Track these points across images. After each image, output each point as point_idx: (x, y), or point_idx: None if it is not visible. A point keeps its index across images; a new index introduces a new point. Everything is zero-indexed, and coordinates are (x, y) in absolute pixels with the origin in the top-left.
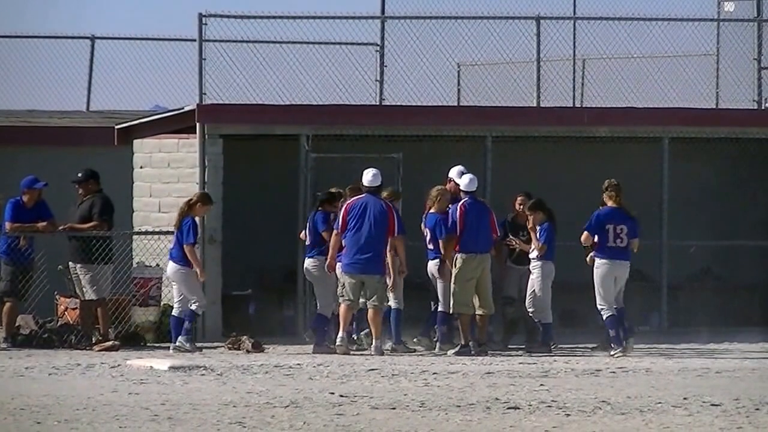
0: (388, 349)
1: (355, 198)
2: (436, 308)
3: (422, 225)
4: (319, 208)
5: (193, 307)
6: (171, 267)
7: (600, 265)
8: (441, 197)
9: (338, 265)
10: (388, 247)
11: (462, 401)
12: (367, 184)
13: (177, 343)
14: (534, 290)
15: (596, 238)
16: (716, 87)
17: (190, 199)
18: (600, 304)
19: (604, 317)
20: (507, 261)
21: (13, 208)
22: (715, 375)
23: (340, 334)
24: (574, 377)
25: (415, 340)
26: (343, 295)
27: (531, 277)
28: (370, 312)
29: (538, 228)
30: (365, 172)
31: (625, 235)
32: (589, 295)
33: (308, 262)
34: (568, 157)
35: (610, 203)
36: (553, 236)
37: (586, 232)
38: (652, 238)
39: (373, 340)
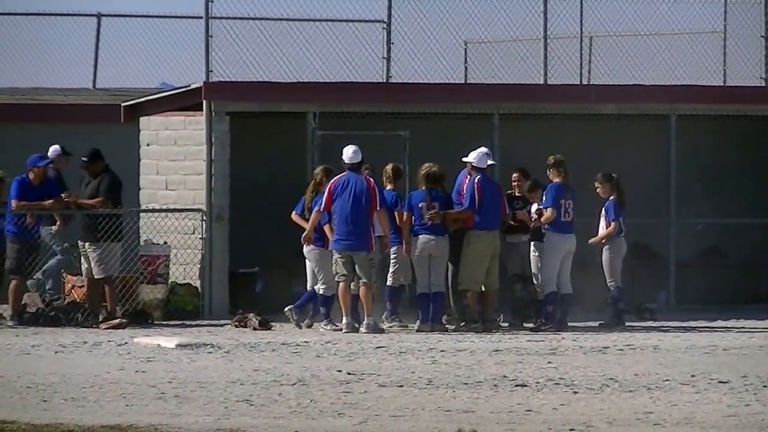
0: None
1: (338, 176)
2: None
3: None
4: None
5: (321, 289)
6: (306, 247)
7: (554, 240)
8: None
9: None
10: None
11: (469, 379)
12: (348, 161)
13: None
14: (539, 267)
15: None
16: (723, 64)
17: (315, 178)
18: (545, 280)
19: (546, 292)
20: (506, 237)
21: (19, 186)
22: (722, 352)
23: (345, 315)
24: (581, 354)
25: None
26: (337, 272)
27: (534, 254)
28: (361, 289)
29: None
30: (345, 149)
31: (572, 210)
32: (595, 273)
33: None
34: (576, 135)
35: (557, 179)
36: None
37: (550, 209)
38: (659, 216)
39: (365, 317)
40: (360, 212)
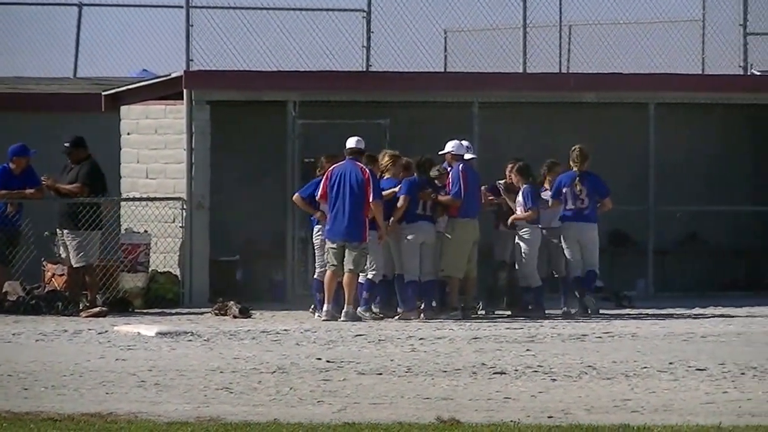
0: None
1: (335, 165)
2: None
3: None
4: None
5: (370, 275)
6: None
7: (570, 229)
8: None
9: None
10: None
11: (448, 366)
12: (351, 146)
13: (358, 313)
14: (522, 255)
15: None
16: (702, 53)
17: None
18: (573, 266)
19: (572, 276)
20: (500, 226)
21: (1, 175)
22: (700, 340)
23: (326, 303)
24: (560, 342)
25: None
26: (327, 262)
27: (518, 242)
28: (345, 276)
29: (520, 192)
30: (350, 138)
31: (585, 196)
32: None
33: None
34: (555, 123)
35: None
36: (536, 200)
37: (531, 210)
38: (638, 203)
39: (345, 305)
40: (356, 203)
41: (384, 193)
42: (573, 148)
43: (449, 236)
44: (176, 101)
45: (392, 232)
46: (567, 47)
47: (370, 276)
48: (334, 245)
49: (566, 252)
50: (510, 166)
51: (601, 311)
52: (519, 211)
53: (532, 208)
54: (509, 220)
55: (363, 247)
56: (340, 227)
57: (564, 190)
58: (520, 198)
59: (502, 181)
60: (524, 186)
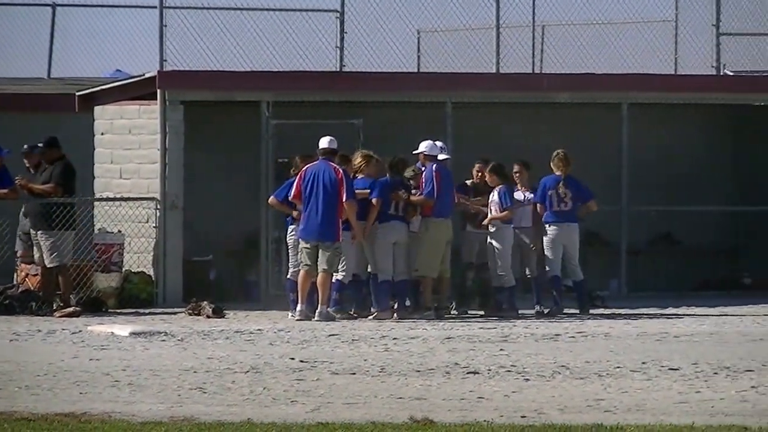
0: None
1: (309, 165)
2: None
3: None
4: None
5: (339, 275)
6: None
7: (552, 230)
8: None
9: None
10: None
11: (422, 366)
12: (324, 146)
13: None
14: (495, 255)
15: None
16: (675, 53)
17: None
18: (551, 266)
19: (550, 275)
20: (467, 226)
21: None
22: (673, 339)
23: (300, 303)
24: (533, 342)
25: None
26: (301, 262)
27: (491, 241)
28: (319, 276)
29: (495, 192)
30: (323, 138)
31: (569, 199)
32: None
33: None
34: (529, 123)
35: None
36: (512, 200)
37: (508, 210)
38: (612, 203)
39: (319, 305)
40: (329, 203)
41: (357, 191)
42: (556, 152)
43: (423, 236)
44: (150, 101)
45: (367, 234)
46: (540, 47)
47: (339, 277)
48: (308, 245)
49: (548, 252)
50: (478, 166)
51: (565, 310)
52: (494, 211)
53: (509, 207)
54: (486, 221)
55: (336, 247)
56: (314, 227)
57: (549, 193)
58: (495, 198)
59: (469, 181)
60: (500, 186)
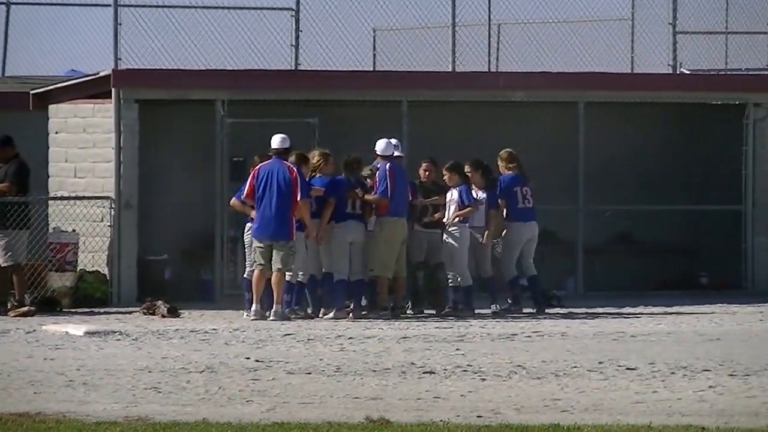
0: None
1: (262, 164)
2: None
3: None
4: None
5: (287, 276)
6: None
7: (514, 228)
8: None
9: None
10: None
11: (378, 366)
12: (276, 146)
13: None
14: (452, 254)
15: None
16: (631, 51)
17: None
18: (506, 266)
19: (508, 278)
20: (415, 226)
21: None
22: (630, 339)
23: (254, 303)
24: (489, 341)
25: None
26: (255, 261)
27: (448, 241)
28: (274, 275)
29: (455, 190)
30: (274, 136)
31: (530, 197)
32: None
33: None
34: (485, 122)
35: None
36: (471, 197)
37: (469, 207)
38: (569, 202)
39: (274, 304)
40: (283, 202)
41: (314, 189)
42: (503, 151)
43: (378, 236)
44: (105, 100)
45: (323, 235)
46: (496, 46)
47: (287, 278)
48: (262, 245)
49: (508, 252)
50: (425, 165)
51: (524, 310)
52: (453, 209)
53: (471, 204)
54: (449, 219)
55: (290, 246)
56: (268, 226)
57: (515, 190)
58: (455, 196)
59: (417, 181)
60: (461, 184)
